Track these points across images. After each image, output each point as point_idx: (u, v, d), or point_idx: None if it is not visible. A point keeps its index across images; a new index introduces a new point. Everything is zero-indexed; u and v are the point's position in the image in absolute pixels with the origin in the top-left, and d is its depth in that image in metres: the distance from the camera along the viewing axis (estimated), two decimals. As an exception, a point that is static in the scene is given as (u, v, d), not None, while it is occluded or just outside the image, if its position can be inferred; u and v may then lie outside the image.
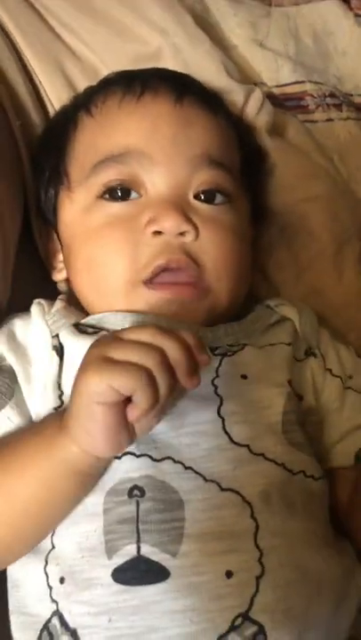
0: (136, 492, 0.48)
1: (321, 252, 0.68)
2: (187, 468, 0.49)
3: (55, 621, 0.47)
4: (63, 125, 0.63)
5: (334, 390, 0.58)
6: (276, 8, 0.86)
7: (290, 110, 0.80)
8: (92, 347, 0.46)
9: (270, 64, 0.82)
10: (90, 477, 0.48)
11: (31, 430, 0.52)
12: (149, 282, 0.55)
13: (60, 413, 0.48)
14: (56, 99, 0.67)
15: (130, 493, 0.48)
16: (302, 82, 0.83)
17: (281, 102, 0.80)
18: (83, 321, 0.57)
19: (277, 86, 0.81)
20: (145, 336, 0.44)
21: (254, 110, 0.71)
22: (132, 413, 0.43)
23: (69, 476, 0.47)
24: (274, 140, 0.72)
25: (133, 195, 0.57)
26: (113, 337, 0.46)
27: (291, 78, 0.82)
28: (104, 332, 0.55)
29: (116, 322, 0.55)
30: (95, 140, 0.59)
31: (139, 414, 0.43)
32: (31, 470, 0.48)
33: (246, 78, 0.78)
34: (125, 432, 0.45)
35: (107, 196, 0.57)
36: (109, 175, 0.57)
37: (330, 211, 0.70)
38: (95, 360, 0.44)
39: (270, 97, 0.78)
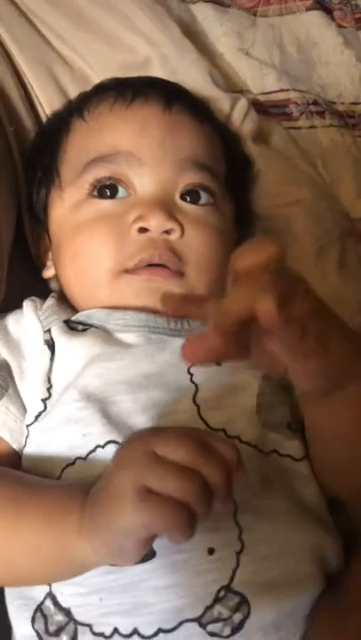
0: None
1: (303, 254, 0.70)
2: None
3: (48, 603, 0.49)
4: (56, 128, 0.65)
5: None
6: (262, 18, 0.89)
7: (274, 117, 0.83)
8: (126, 449, 0.44)
9: (256, 72, 0.84)
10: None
11: (50, 502, 0.48)
12: (131, 270, 0.57)
13: (83, 491, 0.46)
14: (47, 104, 0.70)
15: None
16: (287, 90, 0.85)
17: (266, 109, 0.83)
18: (73, 318, 0.59)
19: (262, 94, 0.84)
20: (185, 456, 0.41)
21: (240, 118, 0.73)
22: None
23: (74, 570, 0.47)
24: (259, 146, 0.74)
25: (122, 193, 0.59)
26: (149, 451, 0.42)
27: (275, 86, 0.84)
28: (93, 329, 0.57)
29: (101, 317, 0.58)
30: (87, 142, 0.62)
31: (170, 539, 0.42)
32: (37, 553, 0.47)
33: (232, 86, 0.81)
34: (149, 546, 0.44)
35: (96, 193, 0.60)
36: (100, 173, 0.59)
37: (312, 214, 0.72)
38: (132, 489, 0.41)
39: (255, 104, 0.80)
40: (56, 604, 0.49)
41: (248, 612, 0.47)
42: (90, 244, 0.58)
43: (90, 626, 0.48)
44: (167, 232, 0.57)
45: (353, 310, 0.69)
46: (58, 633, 0.48)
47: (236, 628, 0.47)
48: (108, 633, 0.47)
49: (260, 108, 0.82)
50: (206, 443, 0.42)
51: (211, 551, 0.48)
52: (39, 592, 0.49)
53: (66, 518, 0.45)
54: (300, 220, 0.71)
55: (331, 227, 0.73)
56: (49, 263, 0.66)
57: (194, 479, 0.41)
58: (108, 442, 0.51)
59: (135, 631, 0.47)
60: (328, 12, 0.91)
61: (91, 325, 0.58)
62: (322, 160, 0.83)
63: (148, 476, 0.41)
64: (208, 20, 0.84)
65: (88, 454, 0.51)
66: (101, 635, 0.47)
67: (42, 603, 0.49)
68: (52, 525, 0.46)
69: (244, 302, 0.38)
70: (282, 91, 0.85)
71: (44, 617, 0.49)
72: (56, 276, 0.65)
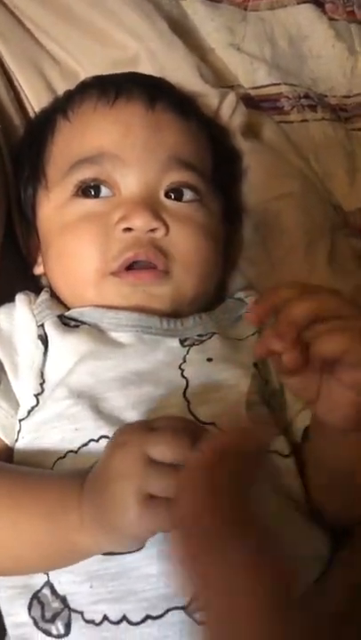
0: None
1: (293, 248, 0.70)
2: None
3: (46, 591, 0.50)
4: (42, 128, 0.66)
5: None
6: (253, 12, 0.88)
7: (266, 112, 0.82)
8: (119, 452, 0.44)
9: (247, 67, 0.84)
10: None
11: (48, 497, 0.49)
12: (117, 273, 0.57)
13: (78, 484, 0.47)
14: (36, 102, 0.70)
15: None
16: (278, 84, 0.85)
17: (257, 104, 0.83)
18: (66, 314, 0.60)
19: (253, 88, 0.84)
20: (181, 457, 0.42)
21: (228, 113, 0.73)
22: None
23: (73, 560, 0.48)
24: (248, 141, 0.74)
25: (107, 192, 0.60)
26: (144, 456, 0.42)
27: (267, 80, 0.84)
28: (86, 326, 0.58)
29: (94, 316, 0.58)
30: (71, 143, 0.62)
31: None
32: (37, 546, 0.48)
33: (223, 81, 0.81)
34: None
35: (80, 193, 0.60)
36: (85, 174, 0.60)
37: (302, 207, 0.72)
38: (134, 498, 0.42)
39: (247, 99, 0.80)
40: (53, 592, 0.49)
41: None
42: (76, 243, 0.59)
43: (82, 613, 0.48)
44: (152, 231, 0.58)
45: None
46: (53, 619, 0.49)
47: None
48: (98, 620, 0.48)
49: (252, 102, 0.82)
50: (198, 435, 0.43)
51: None
52: (37, 580, 0.50)
53: (66, 514, 0.46)
54: (290, 214, 0.71)
55: (321, 220, 0.73)
56: (39, 260, 0.67)
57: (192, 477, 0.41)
58: (102, 436, 0.51)
59: (124, 617, 0.48)
60: (319, 5, 0.90)
61: (83, 322, 0.59)
62: (314, 154, 0.82)
63: (149, 483, 0.42)
64: (199, 15, 0.84)
65: (80, 447, 0.52)
66: (92, 622, 0.48)
67: (39, 590, 0.50)
68: (52, 521, 0.47)
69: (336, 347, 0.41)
70: (273, 85, 0.85)
71: (41, 604, 0.50)
72: (45, 274, 0.66)
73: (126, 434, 0.45)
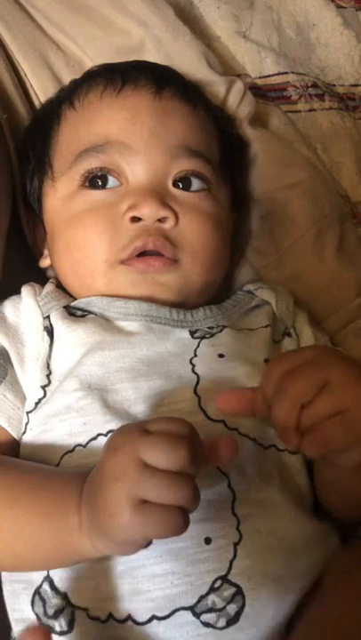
0: None
1: (301, 237, 0.70)
2: None
3: (46, 587, 0.49)
4: (48, 118, 0.65)
5: None
6: (260, 0, 0.88)
7: (273, 101, 0.82)
8: (114, 454, 0.43)
9: (253, 56, 0.83)
10: None
11: (48, 497, 0.48)
12: (126, 261, 0.57)
13: (79, 484, 0.46)
14: (41, 91, 0.69)
15: None
16: (285, 73, 0.84)
17: (264, 93, 0.82)
18: (72, 304, 0.59)
19: (261, 77, 0.83)
20: (176, 464, 0.41)
21: (236, 101, 0.73)
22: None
23: (74, 561, 0.48)
24: (256, 130, 0.74)
25: (114, 183, 0.59)
26: (138, 461, 0.42)
27: (274, 69, 0.83)
28: (92, 316, 0.57)
29: (101, 305, 0.58)
30: (77, 132, 0.62)
31: None
32: (37, 546, 0.48)
33: (230, 70, 0.80)
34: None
35: (87, 184, 0.60)
36: (91, 164, 0.59)
37: (310, 196, 0.71)
38: (127, 503, 0.41)
39: (253, 88, 0.80)
40: (53, 587, 0.49)
41: (243, 605, 0.47)
42: (84, 235, 0.58)
43: (86, 610, 0.48)
44: (161, 220, 0.57)
45: (349, 294, 0.68)
46: (56, 616, 0.48)
47: (232, 621, 0.47)
48: (103, 617, 0.48)
49: (259, 91, 0.81)
50: (195, 440, 0.42)
51: (208, 541, 0.48)
52: (37, 575, 0.50)
53: (65, 516, 0.46)
54: (298, 203, 0.71)
55: (329, 209, 0.72)
56: (45, 252, 0.66)
57: (186, 484, 0.41)
58: (110, 431, 0.51)
59: (129, 617, 0.47)
60: (327, -9, 0.90)
61: (90, 312, 0.58)
62: (321, 143, 0.82)
63: (141, 488, 0.41)
64: (205, 2, 0.83)
65: (88, 442, 0.51)
66: (97, 619, 0.48)
67: (40, 586, 0.50)
68: (52, 522, 0.46)
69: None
70: (280, 74, 0.84)
71: (43, 600, 0.49)
72: (52, 265, 0.65)
73: (121, 437, 0.44)
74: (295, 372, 0.45)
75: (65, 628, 0.48)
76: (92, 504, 0.44)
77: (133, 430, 0.43)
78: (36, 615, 0.49)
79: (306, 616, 0.47)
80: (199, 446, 0.43)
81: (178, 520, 0.41)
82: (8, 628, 0.52)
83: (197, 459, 0.42)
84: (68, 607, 0.48)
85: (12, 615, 0.51)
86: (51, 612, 0.48)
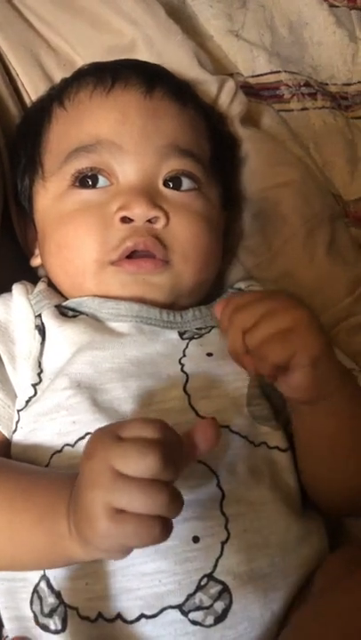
0: None
1: (292, 236, 0.70)
2: None
3: (43, 585, 0.49)
4: (38, 117, 0.65)
5: None
6: (252, -1, 0.88)
7: (265, 100, 0.82)
8: (90, 459, 0.42)
9: (246, 54, 0.83)
10: None
11: (40, 501, 0.47)
12: (116, 262, 0.57)
13: (70, 487, 0.45)
14: (33, 90, 0.69)
15: None
16: (278, 72, 0.84)
17: (257, 92, 0.82)
18: (63, 304, 0.59)
19: (253, 76, 0.83)
20: (147, 471, 0.40)
21: (227, 100, 0.73)
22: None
23: (66, 563, 0.48)
24: (247, 129, 0.74)
25: (105, 182, 0.59)
26: (110, 469, 0.41)
27: (266, 68, 0.83)
28: (83, 316, 0.58)
29: (92, 306, 0.58)
30: (68, 131, 0.62)
31: None
32: (30, 548, 0.47)
33: (222, 68, 0.80)
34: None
35: (78, 183, 0.59)
36: (82, 163, 0.59)
37: (302, 195, 0.71)
38: (101, 511, 0.40)
39: (246, 87, 0.80)
40: (49, 586, 0.49)
41: (230, 602, 0.47)
42: (74, 235, 0.58)
43: (77, 609, 0.48)
44: (151, 221, 0.57)
45: (341, 293, 0.69)
46: (51, 614, 0.49)
47: (219, 618, 0.47)
48: (92, 617, 0.48)
49: (251, 90, 0.81)
50: (170, 443, 0.41)
51: (196, 539, 0.48)
52: (34, 574, 0.50)
53: (56, 521, 0.45)
54: (290, 202, 0.71)
55: (320, 209, 0.72)
56: (36, 251, 0.66)
57: (160, 491, 0.40)
58: None
59: (118, 616, 0.47)
60: (320, -9, 0.90)
61: (81, 312, 0.58)
62: (314, 142, 0.82)
63: (114, 497, 0.40)
64: (198, 1, 0.83)
65: (77, 441, 0.51)
66: (87, 618, 0.48)
67: (37, 584, 0.50)
68: (44, 526, 0.46)
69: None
70: (273, 73, 0.84)
71: (40, 599, 0.49)
72: (43, 265, 0.65)
73: (95, 442, 0.43)
74: (242, 306, 0.49)
75: (59, 627, 0.48)
76: (75, 510, 0.43)
77: (106, 437, 0.42)
78: (34, 613, 0.49)
79: (292, 621, 0.47)
80: (177, 447, 0.42)
81: (154, 529, 0.40)
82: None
83: (173, 462, 0.41)
84: (61, 606, 0.48)
85: (5, 613, 0.51)
86: (47, 610, 0.49)
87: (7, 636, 0.52)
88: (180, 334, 0.57)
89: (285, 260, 0.70)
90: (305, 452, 0.55)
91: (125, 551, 0.42)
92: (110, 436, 0.42)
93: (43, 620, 0.49)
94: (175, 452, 0.42)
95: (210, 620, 0.47)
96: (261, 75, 0.84)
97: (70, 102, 0.63)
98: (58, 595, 0.49)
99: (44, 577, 0.49)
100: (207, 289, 0.63)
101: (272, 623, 0.48)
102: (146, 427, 0.42)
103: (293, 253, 0.69)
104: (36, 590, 0.50)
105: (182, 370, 0.54)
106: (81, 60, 0.71)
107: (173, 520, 0.41)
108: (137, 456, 0.40)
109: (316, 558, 0.52)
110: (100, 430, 0.44)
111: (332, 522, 0.58)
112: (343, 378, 0.51)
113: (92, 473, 0.42)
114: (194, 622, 0.47)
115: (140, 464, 0.40)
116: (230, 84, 0.73)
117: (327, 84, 0.88)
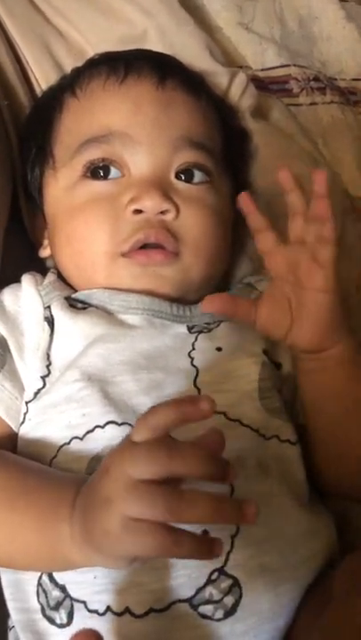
0: None
1: (301, 231, 0.70)
2: None
3: (45, 578, 0.49)
4: (49, 106, 0.64)
5: None
6: (262, -8, 0.87)
7: (274, 94, 0.82)
8: (107, 475, 0.41)
9: (255, 47, 0.83)
10: None
11: (42, 504, 0.47)
12: (127, 254, 0.57)
13: (73, 491, 0.45)
14: (43, 79, 0.68)
15: None
16: (287, 65, 0.84)
17: (265, 86, 0.82)
18: (73, 296, 0.59)
19: (262, 70, 0.83)
20: (159, 472, 0.39)
21: (238, 93, 0.72)
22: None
23: (67, 567, 0.47)
24: (257, 122, 0.73)
25: (116, 174, 0.59)
26: (126, 478, 0.40)
27: (275, 62, 0.83)
28: (93, 308, 0.57)
29: (102, 298, 0.58)
30: (79, 122, 0.61)
31: None
32: (31, 550, 0.47)
33: (231, 61, 0.80)
34: None
35: (89, 174, 0.59)
36: (93, 154, 0.59)
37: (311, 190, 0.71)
38: (116, 522, 0.40)
39: (255, 80, 0.79)
40: (52, 579, 0.49)
41: (240, 596, 0.47)
42: (85, 226, 0.58)
43: (84, 603, 0.48)
44: (162, 213, 0.57)
45: (351, 288, 0.68)
46: (57, 607, 0.48)
47: (229, 612, 0.47)
48: (101, 610, 0.47)
49: (260, 84, 0.81)
50: (175, 445, 0.40)
51: (205, 533, 0.48)
52: None
53: (58, 526, 0.45)
54: (299, 197, 0.70)
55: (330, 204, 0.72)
56: (45, 242, 0.66)
57: (162, 494, 0.39)
58: (108, 422, 0.51)
59: (127, 610, 0.47)
60: (330, -16, 0.90)
61: (91, 304, 0.58)
62: (322, 137, 0.82)
63: (128, 506, 0.39)
64: (208, -8, 0.82)
65: (85, 434, 0.51)
66: (95, 612, 0.47)
67: (40, 577, 0.50)
68: (45, 529, 0.46)
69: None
70: (282, 66, 0.84)
71: (45, 592, 0.49)
72: (52, 256, 0.65)
73: (110, 456, 0.42)
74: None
75: (65, 621, 0.48)
76: (84, 520, 0.43)
77: (120, 448, 0.42)
78: (41, 606, 0.49)
79: (319, 624, 0.45)
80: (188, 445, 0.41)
81: (168, 537, 0.38)
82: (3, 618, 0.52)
83: (183, 455, 0.39)
84: (67, 599, 0.48)
85: (13, 605, 0.51)
86: (52, 603, 0.49)
87: (12, 627, 0.52)
88: (189, 328, 0.57)
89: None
90: (317, 416, 0.55)
91: (130, 562, 0.42)
92: (124, 445, 0.42)
93: (49, 613, 0.49)
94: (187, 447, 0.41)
95: (219, 613, 0.47)
96: (271, 68, 0.83)
97: (82, 92, 0.62)
98: (63, 588, 0.48)
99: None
100: (216, 283, 0.63)
101: (281, 617, 0.48)
102: (158, 414, 0.41)
103: (303, 248, 0.69)
104: (39, 583, 0.50)
105: (192, 364, 0.54)
106: (91, 49, 0.70)
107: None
108: (147, 458, 0.40)
109: (326, 552, 0.52)
110: (116, 445, 0.43)
111: (337, 515, 0.58)
112: (348, 331, 0.53)
113: (107, 486, 0.41)
114: (203, 616, 0.47)
115: (152, 466, 0.39)
116: (241, 77, 0.73)
117: (336, 79, 0.88)
